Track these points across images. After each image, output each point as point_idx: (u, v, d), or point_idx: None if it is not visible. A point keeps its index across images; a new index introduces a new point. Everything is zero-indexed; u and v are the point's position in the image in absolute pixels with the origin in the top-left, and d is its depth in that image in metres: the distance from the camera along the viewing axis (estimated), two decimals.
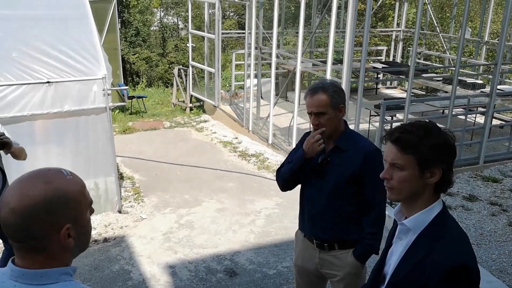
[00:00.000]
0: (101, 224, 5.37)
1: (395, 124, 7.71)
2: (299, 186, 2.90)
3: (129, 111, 10.82)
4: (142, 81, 16.81)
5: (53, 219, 1.20)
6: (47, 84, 4.90)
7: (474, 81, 9.49)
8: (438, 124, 1.74)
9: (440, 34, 11.76)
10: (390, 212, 4.52)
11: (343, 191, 2.67)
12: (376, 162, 2.62)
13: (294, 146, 7.61)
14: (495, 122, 8.77)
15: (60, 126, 5.13)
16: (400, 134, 1.69)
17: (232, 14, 28.37)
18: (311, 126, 2.69)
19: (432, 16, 11.68)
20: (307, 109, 2.63)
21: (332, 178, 2.67)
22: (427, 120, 1.76)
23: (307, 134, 2.79)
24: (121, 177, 6.69)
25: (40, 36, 5.13)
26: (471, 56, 12.73)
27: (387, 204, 5.63)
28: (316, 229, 2.80)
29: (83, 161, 5.28)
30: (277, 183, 2.91)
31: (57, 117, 5.04)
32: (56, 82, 4.94)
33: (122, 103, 8.67)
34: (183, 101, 11.16)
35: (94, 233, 5.08)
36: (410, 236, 1.73)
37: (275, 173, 2.96)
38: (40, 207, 1.18)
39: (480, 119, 9.17)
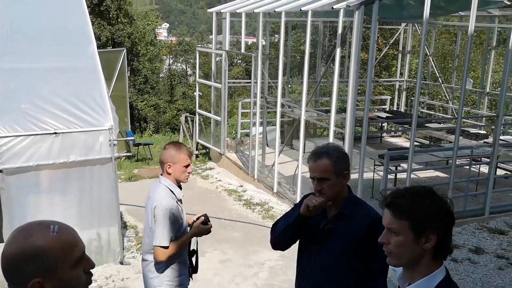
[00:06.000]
0: (102, 276, 5.32)
1: (399, 174, 7.74)
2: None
3: (135, 158, 10.92)
4: (149, 127, 17.04)
5: (25, 270, 1.31)
6: (54, 135, 4.99)
7: (477, 131, 9.52)
8: (435, 190, 1.75)
9: (442, 85, 11.92)
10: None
11: (345, 260, 2.55)
12: (381, 231, 2.53)
13: (299, 194, 7.64)
14: (499, 172, 8.76)
15: (65, 176, 5.17)
16: (393, 199, 1.72)
17: (240, 61, 28.94)
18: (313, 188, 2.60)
19: (434, 66, 11.87)
20: (310, 173, 2.55)
21: (334, 246, 2.55)
22: (425, 186, 1.79)
23: (306, 195, 2.71)
24: (124, 226, 6.67)
25: (50, 87, 5.26)
26: (474, 106, 12.83)
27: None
28: None
29: (87, 211, 5.29)
30: (270, 238, 2.76)
31: (62, 167, 5.10)
32: (63, 133, 5.03)
33: (128, 153, 8.76)
34: (189, 148, 11.24)
35: (94, 285, 5.03)
36: None
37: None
38: (16, 258, 1.31)
39: (485, 169, 9.15)
